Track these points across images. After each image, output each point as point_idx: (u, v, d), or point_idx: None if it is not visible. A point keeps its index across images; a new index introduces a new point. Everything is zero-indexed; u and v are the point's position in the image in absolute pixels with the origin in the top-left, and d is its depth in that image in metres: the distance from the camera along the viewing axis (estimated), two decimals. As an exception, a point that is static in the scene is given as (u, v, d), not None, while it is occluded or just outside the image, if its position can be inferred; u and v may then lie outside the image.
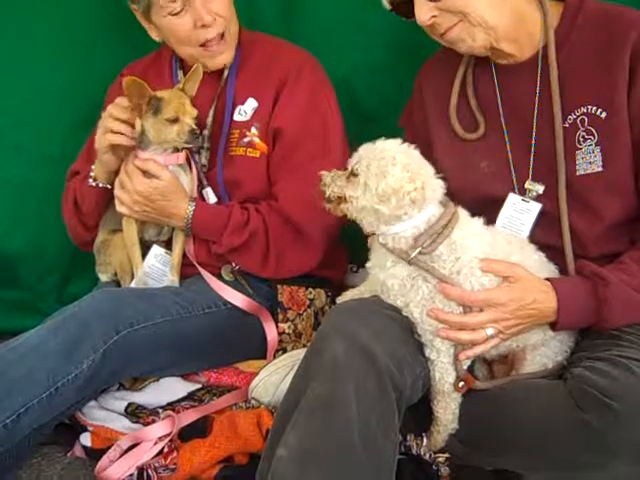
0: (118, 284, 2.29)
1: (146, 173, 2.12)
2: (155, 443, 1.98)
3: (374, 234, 1.72)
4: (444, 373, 1.68)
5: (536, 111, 1.88)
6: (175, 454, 1.96)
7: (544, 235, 1.84)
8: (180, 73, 2.32)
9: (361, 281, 1.90)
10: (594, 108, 1.81)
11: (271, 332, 2.22)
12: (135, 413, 2.10)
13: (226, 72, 2.27)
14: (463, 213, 1.71)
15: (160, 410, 2.10)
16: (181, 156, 2.17)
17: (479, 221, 1.73)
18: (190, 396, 2.17)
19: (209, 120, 2.25)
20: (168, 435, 1.99)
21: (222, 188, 2.23)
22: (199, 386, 2.21)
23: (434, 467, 1.81)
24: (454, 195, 1.72)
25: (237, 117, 2.24)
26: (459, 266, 1.64)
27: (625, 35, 1.79)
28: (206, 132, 2.25)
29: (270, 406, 2.05)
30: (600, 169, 1.80)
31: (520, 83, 1.91)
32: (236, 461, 1.97)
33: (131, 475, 1.95)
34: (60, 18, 2.58)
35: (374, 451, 1.56)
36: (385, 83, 2.54)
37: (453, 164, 1.74)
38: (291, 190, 2.17)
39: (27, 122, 2.64)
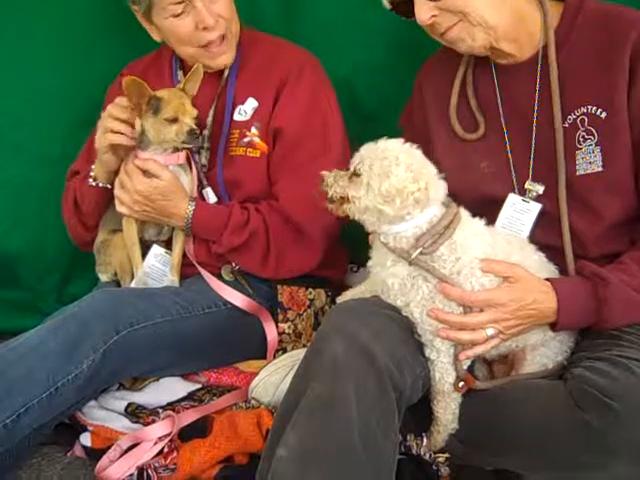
0: (118, 284, 2.29)
1: (146, 173, 2.12)
2: (155, 443, 1.99)
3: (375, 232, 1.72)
4: (444, 373, 1.68)
5: (536, 111, 1.88)
6: (175, 454, 1.96)
7: (544, 235, 1.84)
8: (180, 73, 2.32)
9: (361, 281, 1.90)
10: (594, 108, 1.81)
11: (271, 332, 2.22)
12: (135, 413, 2.10)
13: (226, 72, 2.27)
14: (465, 213, 1.71)
15: (160, 410, 2.10)
16: (181, 156, 2.17)
17: (480, 222, 1.73)
18: (190, 396, 2.17)
19: (209, 120, 2.25)
20: (168, 435, 1.99)
21: (222, 188, 2.23)
22: (199, 386, 2.21)
23: (434, 467, 1.81)
24: (454, 195, 1.72)
25: (237, 117, 2.24)
26: (459, 266, 1.64)
27: (625, 35, 1.79)
28: (206, 132, 2.25)
29: (270, 406, 2.05)
30: (600, 169, 1.80)
31: (520, 83, 1.90)
32: (236, 461, 1.97)
33: (131, 475, 1.95)
34: (60, 18, 2.58)
35: (374, 451, 1.56)
36: (385, 83, 2.54)
37: (453, 164, 1.74)
38: (291, 190, 2.17)
39: (27, 122, 2.64)
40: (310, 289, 2.31)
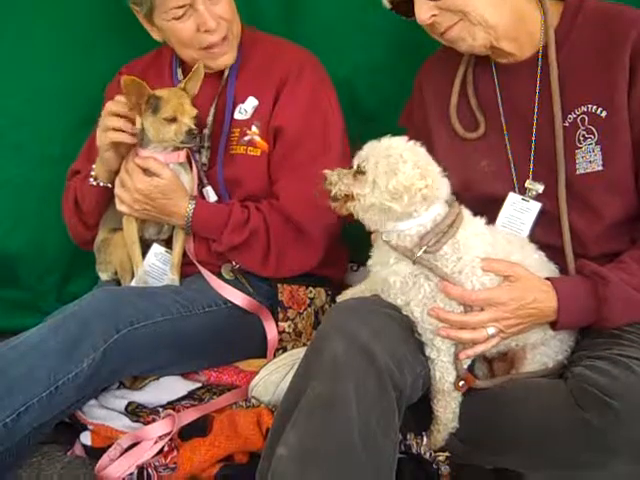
0: (118, 283, 2.28)
1: (146, 171, 2.12)
2: (155, 442, 1.98)
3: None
4: (444, 372, 1.68)
5: (536, 110, 1.88)
6: (175, 453, 1.96)
7: (544, 234, 1.85)
8: (180, 72, 2.32)
9: (361, 280, 1.90)
10: (594, 107, 1.81)
11: (271, 331, 2.22)
12: (135, 412, 2.10)
13: (227, 71, 2.27)
14: (466, 212, 1.71)
15: (160, 409, 2.10)
16: (182, 154, 2.17)
17: (481, 221, 1.74)
18: (190, 395, 2.17)
19: (210, 119, 2.25)
20: (168, 434, 1.99)
21: (222, 187, 2.23)
22: (199, 385, 2.21)
23: (434, 466, 1.81)
24: (455, 194, 1.72)
25: (238, 116, 2.25)
26: (461, 265, 1.65)
27: (625, 34, 1.79)
28: (206, 131, 2.25)
29: (270, 405, 2.05)
30: (600, 168, 1.80)
31: (520, 82, 1.91)
32: (236, 460, 1.97)
33: (131, 474, 1.94)
34: (60, 18, 2.58)
35: (374, 450, 1.56)
36: (386, 83, 2.54)
37: (453, 163, 1.74)
38: (292, 189, 2.17)
39: (27, 122, 2.64)
40: (310, 288, 2.31)
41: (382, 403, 1.59)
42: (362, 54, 2.54)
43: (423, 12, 1.80)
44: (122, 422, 2.06)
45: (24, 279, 2.75)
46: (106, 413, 2.08)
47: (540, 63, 1.88)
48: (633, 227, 1.82)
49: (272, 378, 2.07)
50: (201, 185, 2.24)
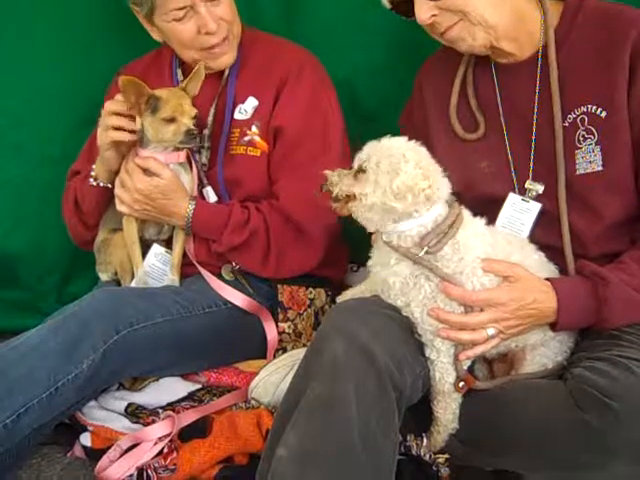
0: (118, 283, 2.28)
1: (146, 171, 2.12)
2: (155, 443, 1.98)
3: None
4: (444, 373, 1.68)
5: (536, 110, 1.88)
6: (175, 454, 1.96)
7: (544, 235, 1.84)
8: (179, 72, 2.32)
9: (361, 280, 1.90)
10: (594, 107, 1.81)
11: (271, 332, 2.22)
12: (135, 413, 2.10)
13: (227, 71, 2.27)
14: (466, 213, 1.71)
15: (160, 410, 2.10)
16: (182, 155, 2.17)
17: (481, 221, 1.73)
18: (190, 396, 2.17)
19: (210, 119, 2.25)
20: (168, 435, 1.99)
21: (222, 187, 2.23)
22: (199, 386, 2.21)
23: (434, 467, 1.81)
24: (454, 195, 1.72)
25: (238, 116, 2.24)
26: (462, 266, 1.64)
27: (625, 34, 1.79)
28: (206, 131, 2.25)
29: (270, 406, 2.05)
30: (600, 168, 1.80)
31: (520, 82, 1.91)
32: (236, 461, 1.97)
33: (131, 475, 1.94)
34: (60, 18, 2.58)
35: (374, 451, 1.56)
36: (385, 83, 2.54)
37: (453, 164, 1.74)
38: (292, 189, 2.17)
39: (27, 122, 2.64)
40: (310, 288, 2.31)
41: (382, 404, 1.59)
42: (362, 54, 2.54)
43: (423, 12, 1.80)
44: (122, 423, 2.06)
45: (24, 279, 2.75)
46: (106, 414, 2.08)
47: (540, 63, 1.88)
48: (633, 227, 1.82)
49: (272, 379, 2.07)
50: (201, 185, 2.24)
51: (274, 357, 2.19)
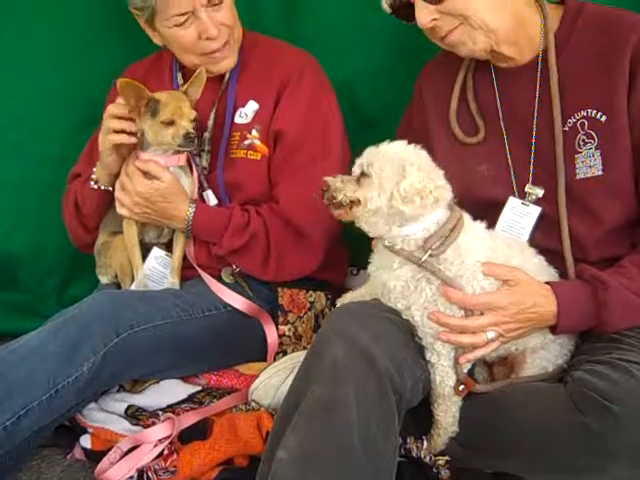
0: (119, 286, 2.28)
1: (147, 174, 2.12)
2: (155, 445, 1.98)
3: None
4: (444, 376, 1.69)
5: (536, 114, 1.89)
6: (175, 456, 1.96)
7: (544, 239, 1.85)
8: (179, 76, 2.32)
9: (361, 284, 1.90)
10: (594, 111, 1.81)
11: (271, 334, 2.22)
12: (135, 415, 2.10)
13: (227, 75, 2.27)
14: (466, 217, 1.71)
15: (160, 412, 2.10)
16: (182, 158, 2.17)
17: (481, 225, 1.74)
18: (190, 398, 2.17)
19: (210, 123, 2.25)
20: (168, 437, 1.99)
21: (222, 190, 2.23)
22: (199, 388, 2.21)
23: (434, 470, 1.82)
24: (454, 199, 1.72)
25: (238, 120, 2.24)
26: (463, 270, 1.65)
27: (625, 38, 1.79)
28: (207, 134, 2.25)
29: (270, 408, 2.05)
30: (600, 173, 1.81)
31: (520, 87, 1.91)
32: (236, 463, 1.98)
33: (131, 477, 1.95)
34: (60, 18, 2.58)
35: (374, 454, 1.56)
36: (385, 86, 2.54)
37: (453, 168, 1.74)
38: (292, 193, 2.17)
39: (27, 122, 2.64)
40: (310, 292, 2.31)
41: (382, 407, 1.59)
42: (362, 57, 2.53)
43: (424, 16, 1.80)
44: (122, 425, 2.07)
45: (24, 282, 2.75)
46: (106, 416, 2.08)
47: (540, 67, 1.88)
48: (633, 232, 1.83)
49: (272, 381, 2.07)
50: (201, 189, 2.24)
51: (274, 360, 2.18)
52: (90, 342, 1.92)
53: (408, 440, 1.82)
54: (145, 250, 2.24)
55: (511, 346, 1.75)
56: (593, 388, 1.57)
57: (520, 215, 1.88)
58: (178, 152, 2.14)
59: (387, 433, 1.59)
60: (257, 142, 2.21)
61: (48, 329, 1.94)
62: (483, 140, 1.95)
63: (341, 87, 2.38)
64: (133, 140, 2.12)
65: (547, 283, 1.73)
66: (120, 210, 2.16)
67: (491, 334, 1.67)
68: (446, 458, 1.81)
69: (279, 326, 2.24)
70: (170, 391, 2.17)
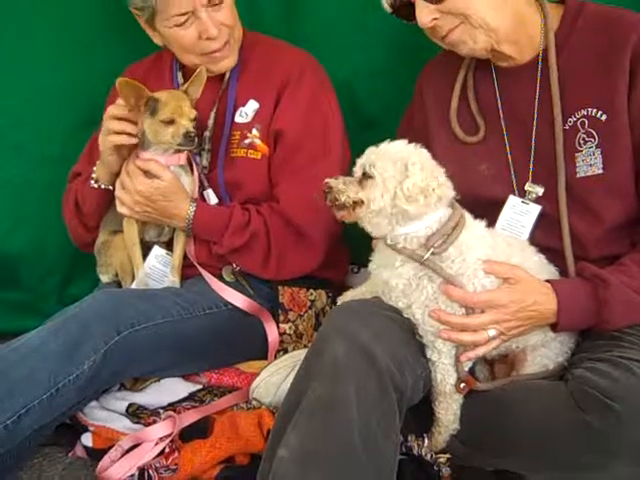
0: (119, 285, 2.28)
1: (147, 173, 2.12)
2: (156, 443, 1.99)
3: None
4: (445, 374, 1.69)
5: (536, 113, 1.89)
6: (176, 454, 1.97)
7: (544, 237, 1.85)
8: (180, 75, 2.32)
9: (362, 282, 1.90)
10: (594, 110, 1.82)
11: (272, 333, 2.22)
12: (136, 413, 2.10)
13: (228, 74, 2.27)
14: (467, 215, 1.71)
15: (161, 410, 2.11)
16: (182, 157, 2.17)
17: (481, 223, 1.74)
18: (191, 397, 2.17)
19: (210, 122, 2.26)
20: (169, 435, 2.00)
21: (223, 189, 2.23)
22: (200, 387, 2.21)
23: (435, 468, 1.82)
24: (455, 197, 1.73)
25: (238, 119, 2.24)
26: (464, 268, 1.65)
27: (625, 38, 1.80)
28: (207, 134, 2.25)
29: (271, 406, 2.05)
30: (600, 171, 1.81)
31: (520, 86, 1.91)
32: (237, 462, 1.98)
33: (132, 475, 1.95)
34: (60, 18, 2.57)
35: (375, 451, 1.57)
36: (386, 86, 2.54)
37: (453, 167, 1.74)
38: (292, 192, 2.17)
39: (27, 122, 2.64)
40: (311, 290, 2.31)
41: (383, 405, 1.59)
42: (362, 56, 2.54)
43: (424, 15, 1.80)
44: (123, 423, 2.07)
45: (25, 280, 2.75)
46: (107, 414, 2.09)
47: (540, 66, 1.89)
48: (633, 230, 1.83)
49: (273, 379, 2.08)
50: (202, 188, 2.24)
51: (275, 358, 2.19)
52: (91, 341, 1.93)
53: (409, 438, 1.83)
54: (145, 249, 2.24)
55: (512, 344, 1.75)
56: (594, 386, 1.57)
57: (520, 213, 1.88)
58: (178, 151, 2.14)
59: (388, 431, 1.59)
60: (257, 141, 2.22)
61: (49, 328, 1.95)
62: (483, 139, 1.95)
63: (341, 87, 2.38)
64: (133, 141, 2.12)
65: (547, 281, 1.73)
66: (120, 209, 2.17)
67: (492, 332, 1.67)
68: (447, 456, 1.81)
69: (280, 324, 2.24)
70: (171, 389, 2.18)
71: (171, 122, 2.07)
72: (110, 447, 1.99)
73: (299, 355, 2.01)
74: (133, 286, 2.21)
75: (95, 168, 2.23)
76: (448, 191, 1.65)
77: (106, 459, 1.97)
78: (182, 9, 2.09)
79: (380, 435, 1.57)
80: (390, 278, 1.69)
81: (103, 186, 2.22)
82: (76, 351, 1.91)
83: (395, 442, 1.61)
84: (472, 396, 1.72)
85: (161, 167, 2.12)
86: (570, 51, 1.86)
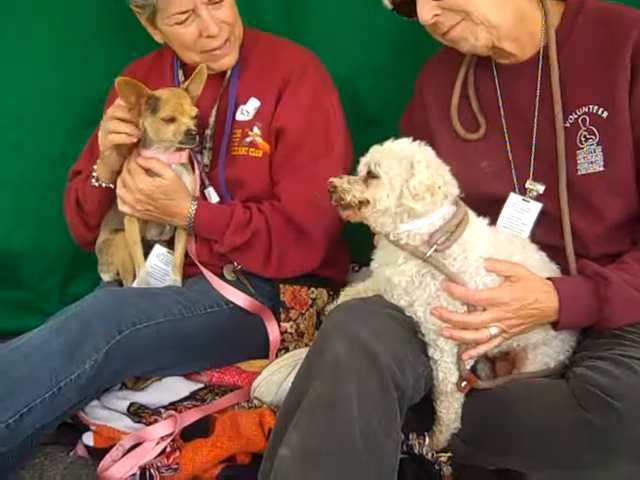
0: (120, 284, 2.28)
1: (149, 172, 2.12)
2: (157, 443, 1.98)
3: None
4: (447, 373, 1.68)
5: (537, 111, 1.89)
6: (177, 454, 1.96)
7: (545, 235, 1.85)
8: (180, 73, 2.32)
9: (363, 280, 1.90)
10: (595, 107, 1.81)
11: (273, 331, 2.22)
12: (137, 413, 2.10)
13: (229, 72, 2.27)
14: (470, 213, 1.71)
15: (162, 410, 2.11)
16: (184, 155, 2.17)
17: (484, 221, 1.74)
18: (192, 396, 2.17)
19: (211, 120, 2.26)
20: (170, 435, 1.99)
21: (224, 188, 2.23)
22: (201, 386, 2.21)
23: (436, 466, 1.82)
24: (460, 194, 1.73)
25: (239, 117, 2.25)
26: (466, 265, 1.65)
27: (626, 34, 1.79)
28: (208, 132, 2.25)
29: (272, 405, 2.05)
30: (601, 169, 1.81)
31: (521, 83, 1.91)
32: (238, 461, 1.98)
33: (133, 475, 1.95)
34: (60, 18, 2.58)
35: (376, 450, 1.56)
36: (387, 83, 2.54)
37: (454, 164, 1.74)
38: (293, 190, 2.17)
39: (27, 122, 2.64)
40: (312, 288, 2.31)
41: (384, 403, 1.59)
42: (363, 54, 2.53)
43: (426, 12, 1.80)
44: (124, 423, 2.07)
45: (26, 279, 2.75)
46: (108, 414, 2.09)
47: (541, 63, 1.88)
48: (634, 228, 1.83)
49: (274, 378, 2.07)
50: (203, 186, 2.24)
51: (276, 357, 2.19)
52: (92, 340, 1.93)
53: (410, 437, 1.83)
54: (147, 247, 2.24)
55: (513, 342, 1.75)
56: (595, 384, 1.57)
57: (521, 211, 1.88)
58: (180, 149, 2.14)
59: (389, 429, 1.59)
60: (259, 139, 2.21)
61: (50, 327, 1.95)
62: (484, 136, 1.95)
63: (342, 84, 2.38)
64: (133, 140, 2.12)
65: (549, 279, 1.72)
66: (122, 207, 2.17)
67: (493, 330, 1.67)
68: (448, 455, 1.81)
69: (281, 323, 2.23)
70: (172, 388, 2.18)
71: (172, 120, 2.07)
72: (111, 446, 1.99)
73: (300, 354, 2.00)
74: (134, 285, 2.21)
75: (95, 167, 2.23)
76: (453, 189, 1.65)
77: (107, 458, 1.97)
78: (183, 7, 2.09)
79: (381, 434, 1.57)
80: (393, 275, 1.68)
81: (104, 185, 2.22)
82: (77, 350, 1.91)
83: (396, 441, 1.61)
84: (473, 394, 1.72)
85: (162, 165, 2.12)
86: (571, 48, 1.86)
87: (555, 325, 1.73)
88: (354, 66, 2.55)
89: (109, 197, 2.23)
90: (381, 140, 1.69)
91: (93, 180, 2.22)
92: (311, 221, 2.17)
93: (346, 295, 1.89)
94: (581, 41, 1.85)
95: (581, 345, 1.79)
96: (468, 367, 1.70)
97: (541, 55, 1.89)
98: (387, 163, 1.63)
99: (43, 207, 2.66)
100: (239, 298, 2.19)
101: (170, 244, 2.27)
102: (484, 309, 1.66)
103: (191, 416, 2.05)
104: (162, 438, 2.00)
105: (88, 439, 2.06)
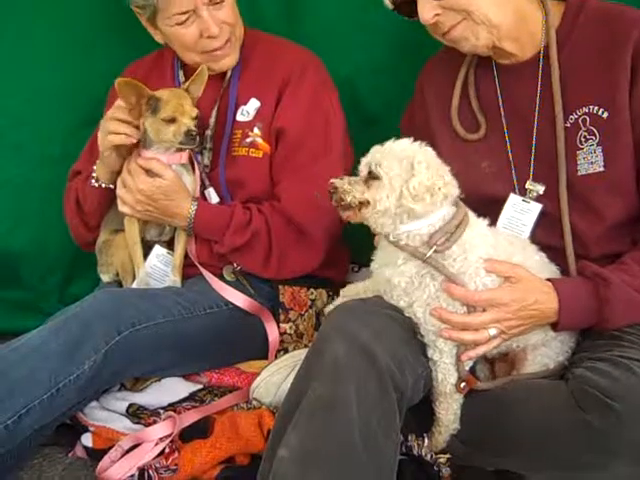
0: (120, 284, 2.28)
1: (149, 172, 2.12)
2: (156, 444, 1.99)
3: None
4: (446, 374, 1.68)
5: (537, 111, 1.88)
6: (176, 455, 1.96)
7: (545, 236, 1.85)
8: (181, 74, 2.32)
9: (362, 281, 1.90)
10: (596, 108, 1.81)
11: (272, 332, 2.22)
12: (136, 414, 2.10)
13: (229, 72, 2.27)
14: (470, 214, 1.71)
15: (161, 411, 2.10)
16: (184, 156, 2.17)
17: (484, 222, 1.74)
18: (191, 397, 2.17)
19: (212, 120, 2.26)
20: (169, 436, 1.99)
21: (224, 188, 2.23)
22: (200, 387, 2.21)
23: (435, 468, 1.82)
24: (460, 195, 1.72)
25: (240, 117, 2.24)
26: (466, 266, 1.65)
27: (627, 34, 1.79)
28: (209, 132, 2.25)
29: (271, 406, 2.05)
30: (602, 169, 1.80)
31: (521, 83, 1.91)
32: (237, 462, 1.98)
33: (132, 476, 1.95)
34: (60, 18, 2.58)
35: (375, 451, 1.56)
36: (387, 83, 2.54)
37: (454, 164, 1.74)
38: (294, 190, 2.17)
39: (27, 122, 2.64)
40: (312, 289, 2.31)
41: (383, 404, 1.59)
42: (363, 54, 2.53)
43: (426, 11, 1.80)
44: (123, 424, 2.07)
45: (26, 279, 2.75)
46: (107, 415, 2.09)
47: (541, 63, 1.88)
48: (634, 228, 1.83)
49: (273, 379, 2.07)
50: (203, 187, 2.24)
51: (275, 358, 2.19)
52: (91, 340, 1.92)
53: (409, 438, 1.83)
54: (146, 248, 2.24)
55: (512, 343, 1.74)
56: (594, 385, 1.57)
57: (521, 212, 1.88)
58: (180, 150, 2.14)
59: (388, 430, 1.59)
60: (259, 140, 2.21)
61: (49, 327, 1.95)
62: (484, 137, 1.94)
63: (343, 84, 2.38)
64: (132, 141, 2.12)
65: (548, 280, 1.72)
66: (122, 208, 2.17)
67: (493, 331, 1.67)
68: (447, 456, 1.81)
69: (280, 324, 2.23)
70: (171, 389, 2.18)
71: (172, 120, 2.07)
72: (110, 447, 1.99)
73: (299, 355, 2.00)
74: (134, 285, 2.21)
75: (95, 167, 2.23)
76: (454, 189, 1.65)
77: (106, 459, 1.97)
78: (183, 7, 2.09)
79: (380, 435, 1.57)
80: (392, 276, 1.68)
81: (104, 185, 2.22)
82: (77, 351, 1.91)
83: (395, 442, 1.61)
84: (472, 395, 1.72)
85: (163, 166, 2.12)
86: (571, 48, 1.85)
87: (555, 326, 1.72)
88: (354, 66, 2.54)
89: (109, 197, 2.23)
90: (381, 140, 1.69)
91: (93, 180, 2.22)
92: (311, 222, 2.17)
93: (345, 295, 1.89)
94: (582, 41, 1.85)
95: (580, 346, 1.79)
96: (467, 368, 1.70)
97: (541, 55, 1.88)
98: (388, 163, 1.63)
99: (43, 207, 2.66)
100: (238, 299, 2.19)
101: (170, 245, 2.27)
102: (484, 310, 1.66)
103: (190, 417, 2.05)
104: (161, 439, 2.00)
105: (87, 440, 2.06)
